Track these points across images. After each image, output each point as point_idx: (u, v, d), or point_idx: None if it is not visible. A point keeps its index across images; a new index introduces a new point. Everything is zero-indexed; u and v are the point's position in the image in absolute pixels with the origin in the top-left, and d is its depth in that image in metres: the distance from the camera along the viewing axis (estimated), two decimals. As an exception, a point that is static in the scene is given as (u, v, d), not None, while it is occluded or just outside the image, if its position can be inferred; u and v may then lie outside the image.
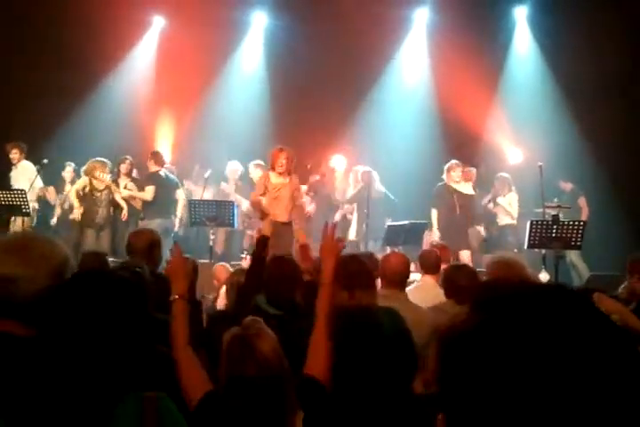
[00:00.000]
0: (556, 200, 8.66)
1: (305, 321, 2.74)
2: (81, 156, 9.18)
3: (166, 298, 2.75)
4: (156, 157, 8.65)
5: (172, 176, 8.74)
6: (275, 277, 3.46)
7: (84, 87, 9.95)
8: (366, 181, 8.76)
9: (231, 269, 5.55)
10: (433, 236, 8.21)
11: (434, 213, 8.30)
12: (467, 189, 8.46)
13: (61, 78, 9.67)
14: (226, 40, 10.71)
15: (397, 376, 2.95)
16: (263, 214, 7.02)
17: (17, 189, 8.33)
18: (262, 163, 8.80)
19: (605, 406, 0.67)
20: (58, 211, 9.09)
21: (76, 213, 8.37)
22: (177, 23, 10.62)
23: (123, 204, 8.45)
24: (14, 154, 8.84)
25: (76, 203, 8.43)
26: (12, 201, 8.04)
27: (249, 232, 9.27)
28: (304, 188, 8.70)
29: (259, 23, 11.05)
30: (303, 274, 3.56)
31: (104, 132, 9.47)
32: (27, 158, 9.01)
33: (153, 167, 8.57)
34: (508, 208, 8.94)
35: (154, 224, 8.09)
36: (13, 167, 8.92)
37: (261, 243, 3.68)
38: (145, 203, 8.46)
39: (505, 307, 0.72)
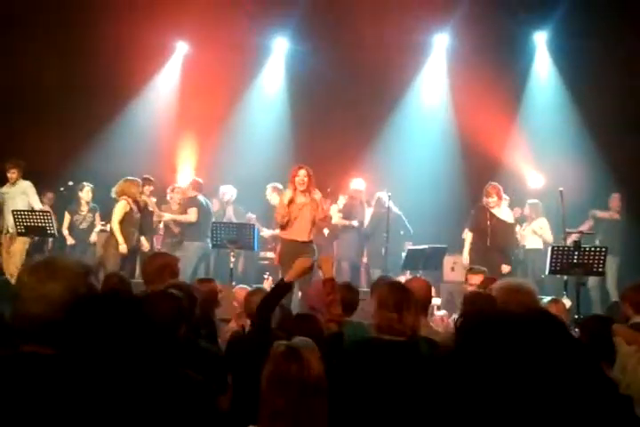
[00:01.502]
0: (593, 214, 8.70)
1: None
2: (104, 179, 9.34)
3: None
4: (195, 184, 8.84)
5: (207, 201, 8.89)
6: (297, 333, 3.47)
7: (109, 112, 10.15)
8: (377, 205, 8.85)
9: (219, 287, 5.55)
10: (463, 260, 7.87)
11: (468, 236, 7.98)
12: (505, 214, 7.93)
13: (86, 103, 9.87)
14: (248, 65, 10.88)
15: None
16: (284, 222, 6.91)
17: (42, 211, 8.47)
18: (279, 186, 8.90)
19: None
20: (65, 232, 9.18)
21: (122, 249, 7.76)
22: (200, 49, 10.82)
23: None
24: (12, 173, 8.74)
25: (120, 238, 7.78)
26: (38, 222, 8.17)
27: (268, 255, 9.37)
28: (334, 209, 8.78)
29: (280, 48, 11.22)
30: (329, 323, 3.44)
31: (128, 155, 9.61)
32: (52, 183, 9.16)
33: (191, 193, 8.77)
34: (540, 232, 8.95)
35: (194, 246, 8.34)
36: (9, 185, 8.81)
37: (283, 289, 3.64)
38: (184, 225, 8.60)
39: (481, 334, 0.82)
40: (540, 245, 8.97)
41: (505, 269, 7.75)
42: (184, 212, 8.65)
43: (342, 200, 9.23)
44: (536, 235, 8.99)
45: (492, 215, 7.76)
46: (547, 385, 0.74)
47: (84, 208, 9.26)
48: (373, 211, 8.94)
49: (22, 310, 1.75)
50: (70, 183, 9.39)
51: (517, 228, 9.07)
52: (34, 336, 1.76)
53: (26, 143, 9.70)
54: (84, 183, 9.24)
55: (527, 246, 9.09)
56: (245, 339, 3.59)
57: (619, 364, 2.64)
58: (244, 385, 3.21)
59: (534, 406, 0.74)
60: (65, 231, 9.22)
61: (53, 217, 8.59)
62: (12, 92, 9.99)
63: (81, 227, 9.24)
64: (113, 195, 8.16)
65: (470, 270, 5.61)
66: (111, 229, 7.91)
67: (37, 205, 8.73)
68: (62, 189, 9.49)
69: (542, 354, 0.76)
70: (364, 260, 9.06)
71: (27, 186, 8.75)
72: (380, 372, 2.93)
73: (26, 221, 8.17)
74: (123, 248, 7.73)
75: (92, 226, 9.29)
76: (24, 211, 8.28)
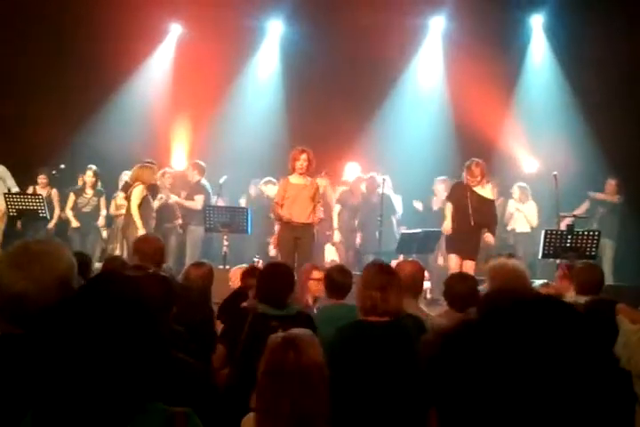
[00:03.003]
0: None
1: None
2: (97, 161, 9.28)
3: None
4: (199, 168, 8.89)
5: (209, 185, 8.95)
6: (268, 277, 3.65)
7: (102, 94, 10.06)
8: (370, 188, 8.83)
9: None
10: (443, 230, 7.49)
11: (448, 207, 7.54)
12: (486, 192, 7.53)
13: (79, 85, 9.79)
14: (242, 48, 10.79)
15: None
16: (280, 219, 6.95)
17: (34, 194, 8.43)
18: (272, 179, 8.91)
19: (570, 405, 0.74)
20: (70, 213, 9.02)
21: (141, 233, 7.45)
22: (194, 31, 10.72)
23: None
24: None
25: (139, 223, 7.66)
26: (29, 205, 8.13)
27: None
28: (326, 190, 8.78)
29: (275, 31, 11.12)
30: None
31: (121, 138, 9.56)
32: (43, 164, 9.08)
33: (195, 177, 8.84)
34: (529, 216, 8.97)
35: (200, 230, 8.46)
36: None
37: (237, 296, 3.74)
38: (189, 210, 8.71)
39: (499, 314, 0.80)
40: (528, 229, 9.00)
41: (489, 238, 7.46)
42: (190, 198, 8.75)
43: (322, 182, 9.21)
44: (526, 220, 9.01)
45: (473, 193, 7.36)
46: (564, 364, 0.75)
47: (89, 191, 9.09)
48: (365, 196, 8.93)
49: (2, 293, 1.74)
50: (62, 166, 9.32)
51: (512, 208, 9.09)
52: (13, 317, 1.75)
53: (19, 126, 9.63)
54: (89, 166, 9.05)
55: (517, 230, 9.10)
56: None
57: (621, 340, 2.82)
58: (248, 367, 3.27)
59: (546, 380, 0.74)
60: (69, 213, 9.06)
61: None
62: (3, 75, 9.89)
63: (84, 210, 9.06)
64: (128, 180, 8.11)
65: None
66: (129, 213, 7.80)
67: (15, 188, 8.72)
68: (54, 172, 9.41)
69: (559, 333, 0.77)
70: (357, 244, 9.07)
71: (2, 170, 8.68)
72: (369, 353, 2.95)
73: (18, 204, 8.13)
74: (142, 233, 7.58)
75: (96, 209, 9.10)
76: (16, 194, 8.24)
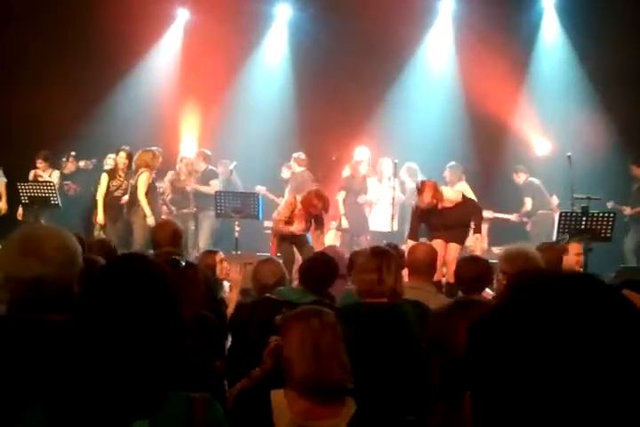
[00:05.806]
0: None
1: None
2: (105, 149, 9.27)
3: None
4: (204, 156, 9.09)
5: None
6: (313, 265, 3.70)
7: (110, 80, 10.04)
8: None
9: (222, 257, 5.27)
10: (407, 243, 6.53)
11: (415, 217, 6.83)
12: (450, 195, 6.78)
13: (87, 71, 9.76)
14: (250, 32, 10.71)
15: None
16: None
17: (46, 181, 8.44)
18: (303, 157, 8.97)
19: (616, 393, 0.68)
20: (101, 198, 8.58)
21: (150, 221, 7.49)
22: (201, 16, 10.65)
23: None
24: None
25: (148, 211, 7.64)
26: (41, 193, 8.16)
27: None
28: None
29: (283, 15, 11.02)
30: None
31: (129, 124, 9.54)
32: (53, 151, 9.12)
33: (202, 165, 9.04)
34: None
35: (211, 213, 8.55)
36: None
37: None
38: (201, 195, 8.85)
39: (536, 291, 0.75)
40: None
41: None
42: (204, 183, 8.88)
43: (347, 171, 9.15)
44: None
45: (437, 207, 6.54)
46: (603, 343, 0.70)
47: (122, 174, 8.21)
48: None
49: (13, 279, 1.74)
50: (73, 153, 9.30)
51: None
52: (32, 303, 1.74)
53: (27, 113, 9.63)
54: (123, 147, 8.40)
55: None
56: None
57: None
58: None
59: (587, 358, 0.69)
60: (100, 198, 8.13)
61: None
62: (11, 63, 9.89)
63: (115, 194, 8.21)
64: (133, 166, 8.03)
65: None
66: (136, 200, 7.73)
67: (2, 178, 8.89)
68: (64, 159, 9.42)
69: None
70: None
71: None
72: (365, 334, 2.92)
73: (29, 192, 8.16)
74: (150, 221, 7.55)
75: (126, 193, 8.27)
76: (28, 182, 8.27)
